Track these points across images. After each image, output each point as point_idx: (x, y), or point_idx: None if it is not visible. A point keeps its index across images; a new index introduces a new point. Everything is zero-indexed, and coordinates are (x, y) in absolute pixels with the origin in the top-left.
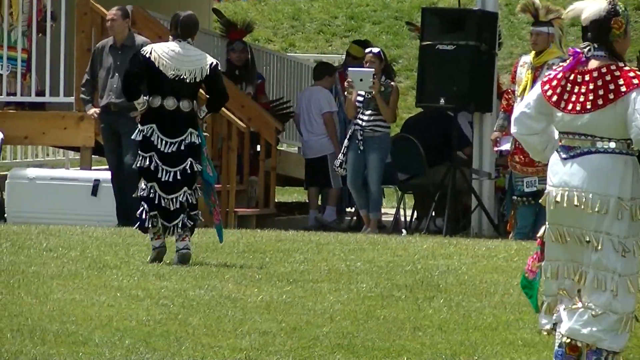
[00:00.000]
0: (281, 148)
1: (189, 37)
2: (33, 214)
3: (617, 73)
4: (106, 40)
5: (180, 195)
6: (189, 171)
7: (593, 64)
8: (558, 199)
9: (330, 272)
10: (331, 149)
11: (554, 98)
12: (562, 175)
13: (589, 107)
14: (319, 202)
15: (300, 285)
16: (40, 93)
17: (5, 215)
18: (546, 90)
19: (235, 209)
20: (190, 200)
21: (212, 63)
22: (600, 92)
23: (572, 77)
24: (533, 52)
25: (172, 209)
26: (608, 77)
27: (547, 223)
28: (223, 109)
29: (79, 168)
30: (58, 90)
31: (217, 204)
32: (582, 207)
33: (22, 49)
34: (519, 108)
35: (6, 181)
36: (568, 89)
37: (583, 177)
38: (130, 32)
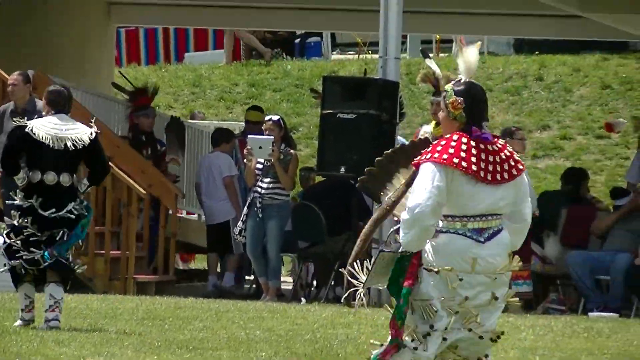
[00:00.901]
0: (181, 215)
1: (65, 109)
2: None
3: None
4: (7, 104)
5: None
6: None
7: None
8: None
9: (229, 340)
10: (233, 213)
11: (474, 167)
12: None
13: (506, 177)
14: (218, 269)
15: (199, 353)
16: None
17: None
18: (458, 162)
19: (135, 276)
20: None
21: (91, 133)
22: (506, 167)
23: (483, 147)
24: (433, 122)
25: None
26: (507, 153)
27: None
28: (123, 174)
29: None
30: None
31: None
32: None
33: None
34: (427, 197)
35: None
36: (483, 157)
37: (501, 257)
38: (31, 97)
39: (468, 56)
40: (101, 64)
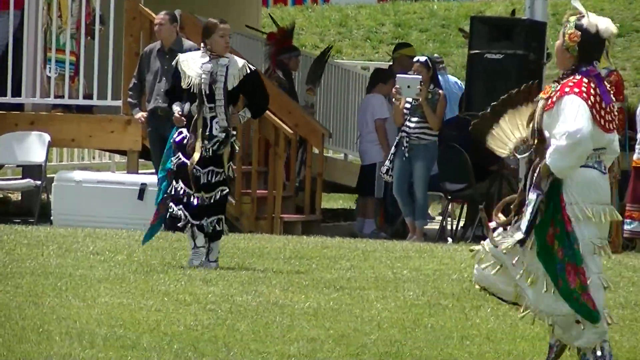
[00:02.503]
0: (327, 154)
1: None
2: (79, 217)
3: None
4: (154, 44)
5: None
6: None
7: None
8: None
9: (377, 279)
10: (381, 157)
11: (596, 115)
12: (605, 191)
13: (612, 127)
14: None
15: (347, 293)
16: (88, 96)
17: (52, 217)
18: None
19: (281, 215)
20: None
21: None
22: (613, 117)
23: (600, 92)
24: None
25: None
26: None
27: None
28: (270, 114)
29: (125, 172)
30: (106, 93)
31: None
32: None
33: (70, 51)
34: (585, 123)
35: (53, 184)
36: (599, 103)
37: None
38: (178, 37)
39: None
40: (247, 4)
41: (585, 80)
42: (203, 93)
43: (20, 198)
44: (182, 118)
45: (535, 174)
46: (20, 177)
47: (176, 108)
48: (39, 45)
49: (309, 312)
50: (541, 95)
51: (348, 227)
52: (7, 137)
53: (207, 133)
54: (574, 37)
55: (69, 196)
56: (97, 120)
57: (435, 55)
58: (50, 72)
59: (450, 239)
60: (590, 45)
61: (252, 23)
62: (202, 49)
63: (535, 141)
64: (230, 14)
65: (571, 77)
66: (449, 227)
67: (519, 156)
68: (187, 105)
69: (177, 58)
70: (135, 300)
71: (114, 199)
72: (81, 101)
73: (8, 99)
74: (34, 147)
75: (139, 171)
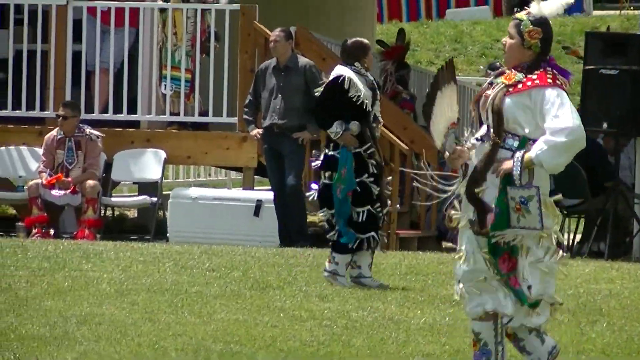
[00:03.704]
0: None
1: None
2: (195, 234)
3: None
4: (269, 61)
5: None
6: None
7: None
8: None
9: None
10: None
11: None
12: None
13: None
14: None
15: (462, 308)
16: (204, 113)
17: (168, 234)
18: None
19: (397, 231)
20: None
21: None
22: None
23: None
24: None
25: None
26: None
27: None
28: (385, 130)
29: (241, 188)
30: (221, 110)
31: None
32: None
33: (185, 69)
34: (579, 120)
35: (169, 201)
36: None
37: None
38: (293, 53)
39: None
40: (362, 20)
41: (552, 71)
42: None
43: (136, 215)
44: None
45: (505, 165)
46: (136, 194)
47: (342, 128)
48: (154, 63)
49: (425, 328)
50: (502, 79)
51: None
52: (123, 155)
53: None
54: (535, 35)
55: (184, 213)
56: (213, 137)
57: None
58: (165, 89)
59: (566, 254)
60: (550, 38)
61: (367, 38)
62: (353, 67)
63: (491, 127)
64: (345, 29)
65: (541, 70)
66: (565, 242)
67: (448, 145)
68: (354, 125)
69: (342, 75)
70: (251, 317)
71: (230, 215)
72: (197, 118)
73: (124, 116)
74: (150, 164)
75: (255, 188)
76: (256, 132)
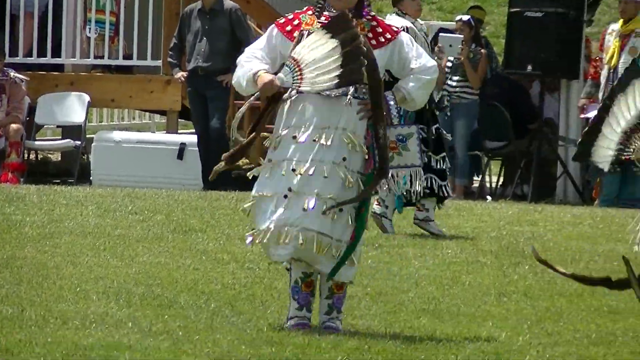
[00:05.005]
0: None
1: None
2: (118, 177)
3: None
4: (195, 4)
5: None
6: None
7: None
8: None
9: (415, 237)
10: None
11: None
12: None
13: None
14: None
15: (385, 251)
16: (128, 56)
17: (91, 178)
18: None
19: None
20: None
21: None
22: None
23: None
24: (621, 20)
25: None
26: None
27: None
28: None
29: (165, 132)
30: (146, 53)
31: None
32: None
33: (110, 12)
34: None
35: (92, 144)
36: None
37: None
38: None
39: None
40: None
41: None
42: None
43: (59, 158)
44: None
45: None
46: (59, 137)
47: None
48: (79, 6)
49: None
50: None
51: None
52: (46, 98)
53: None
54: None
55: (108, 156)
56: (137, 80)
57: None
58: (90, 32)
59: (489, 197)
60: None
61: None
62: (394, 14)
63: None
64: None
65: (371, 17)
66: (488, 185)
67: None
68: None
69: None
70: (174, 260)
71: (154, 159)
72: (121, 61)
73: (48, 59)
74: (74, 107)
75: (179, 131)
76: (180, 75)
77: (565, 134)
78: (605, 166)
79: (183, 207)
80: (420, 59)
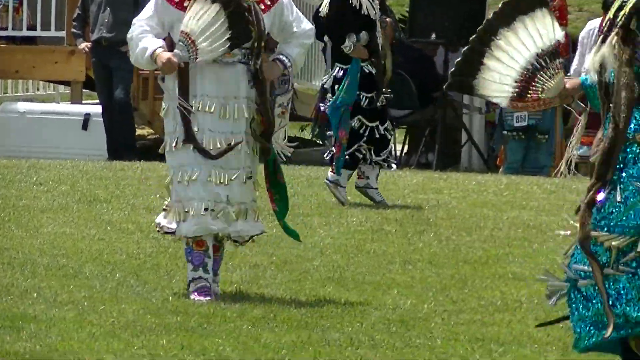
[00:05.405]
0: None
1: None
2: (23, 148)
3: None
4: None
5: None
6: None
7: None
8: None
9: (320, 206)
10: None
11: None
12: None
13: None
14: None
15: (290, 219)
16: (32, 27)
17: None
18: None
19: None
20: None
21: None
22: None
23: None
24: None
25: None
26: None
27: None
28: None
29: (69, 102)
30: (49, 24)
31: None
32: None
33: None
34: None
35: None
36: None
37: None
38: None
39: None
40: None
41: None
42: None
43: None
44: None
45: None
46: None
47: (354, 40)
48: None
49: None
50: None
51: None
52: None
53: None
54: None
55: (12, 127)
56: (41, 51)
57: None
58: None
59: (394, 165)
60: None
61: None
62: None
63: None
64: None
65: None
66: (392, 153)
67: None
68: (364, 35)
69: None
70: (79, 230)
71: (58, 129)
72: (25, 32)
73: None
74: None
75: (83, 101)
76: (84, 45)
77: (470, 102)
78: (503, 101)
79: (88, 177)
80: (301, 22)
